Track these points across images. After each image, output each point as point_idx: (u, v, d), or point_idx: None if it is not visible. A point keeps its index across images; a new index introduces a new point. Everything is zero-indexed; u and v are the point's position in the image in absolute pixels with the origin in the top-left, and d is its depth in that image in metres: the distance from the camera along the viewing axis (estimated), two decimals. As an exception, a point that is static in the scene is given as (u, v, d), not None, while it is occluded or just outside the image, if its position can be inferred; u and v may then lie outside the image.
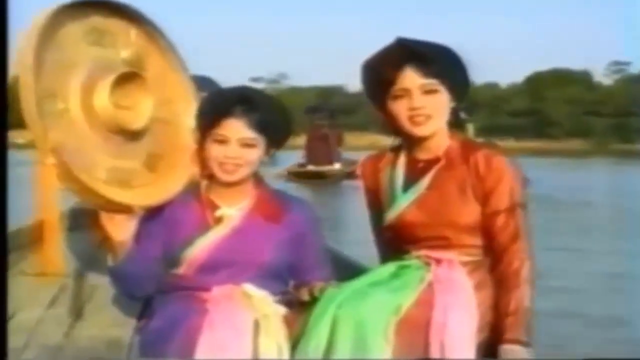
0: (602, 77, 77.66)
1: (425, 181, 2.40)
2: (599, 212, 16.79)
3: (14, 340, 2.18)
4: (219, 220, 2.39)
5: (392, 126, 2.45)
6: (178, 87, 2.67)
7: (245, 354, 2.13)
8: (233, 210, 2.40)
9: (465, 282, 2.29)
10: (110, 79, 2.41)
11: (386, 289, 2.27)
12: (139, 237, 2.38)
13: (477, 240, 2.35)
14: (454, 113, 2.43)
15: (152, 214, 2.43)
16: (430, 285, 2.28)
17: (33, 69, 2.23)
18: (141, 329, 2.37)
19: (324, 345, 2.15)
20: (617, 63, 78.64)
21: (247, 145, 2.34)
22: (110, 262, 2.39)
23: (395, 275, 2.34)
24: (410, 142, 2.46)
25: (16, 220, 2.90)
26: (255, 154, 2.37)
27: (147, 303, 2.45)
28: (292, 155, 23.00)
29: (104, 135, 2.44)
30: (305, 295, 2.33)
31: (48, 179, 2.66)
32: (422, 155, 2.44)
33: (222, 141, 2.33)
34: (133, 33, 2.59)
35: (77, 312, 2.59)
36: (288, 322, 2.26)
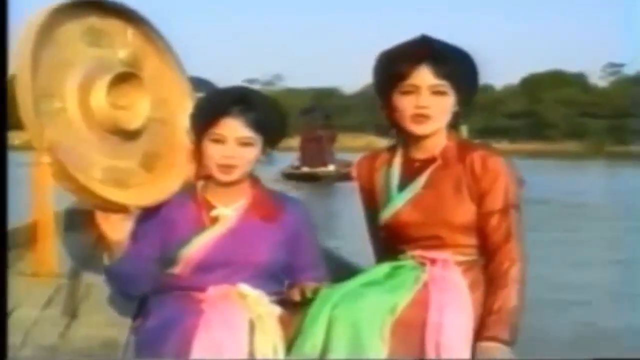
0: (598, 79, 77.93)
1: (421, 180, 2.40)
2: (594, 214, 16.82)
3: (10, 339, 2.18)
4: (214, 220, 2.39)
5: (391, 121, 2.45)
6: (175, 87, 2.67)
7: (241, 354, 2.14)
8: (229, 210, 2.41)
9: (460, 282, 2.29)
10: (107, 78, 2.41)
11: (381, 289, 2.27)
12: (134, 236, 2.38)
13: (472, 240, 2.36)
14: (455, 117, 2.43)
15: (148, 214, 2.43)
16: (425, 285, 2.28)
17: (30, 68, 2.23)
18: (137, 329, 2.37)
19: (319, 345, 2.15)
20: (612, 65, 78.88)
21: (245, 144, 2.35)
22: (106, 261, 2.39)
23: (390, 276, 2.34)
24: (407, 141, 2.46)
25: (11, 221, 2.90)
26: (252, 153, 2.37)
27: (142, 303, 2.45)
28: (287, 157, 23.03)
29: (101, 135, 2.44)
30: (296, 296, 2.33)
31: (43, 180, 2.67)
32: (419, 154, 2.44)
33: (220, 140, 2.34)
34: (130, 33, 2.59)
35: (72, 312, 2.59)
36: (283, 322, 2.26)
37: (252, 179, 2.46)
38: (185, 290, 2.34)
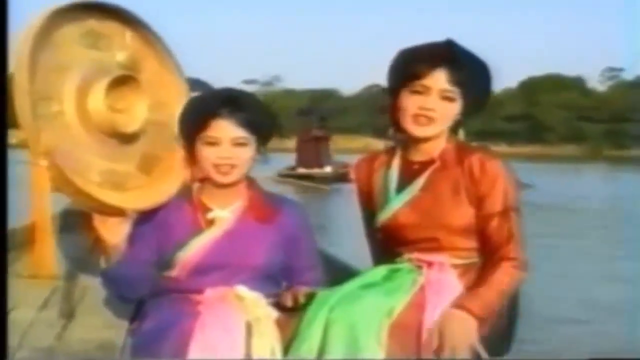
0: (597, 83, 77.94)
1: (419, 183, 2.40)
2: (592, 217, 16.81)
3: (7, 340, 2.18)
4: (211, 222, 2.39)
5: (392, 120, 2.45)
6: (173, 90, 2.67)
7: (237, 356, 2.13)
8: (225, 212, 2.40)
9: (456, 285, 2.29)
10: (105, 81, 2.41)
11: (378, 292, 2.27)
12: (131, 240, 2.37)
13: (469, 243, 2.36)
14: (456, 123, 2.44)
15: (145, 217, 2.43)
16: (422, 288, 2.28)
17: (28, 70, 2.23)
18: (133, 331, 2.37)
19: (316, 347, 2.15)
20: (611, 69, 78.93)
21: (239, 144, 2.35)
22: (103, 265, 2.38)
23: (387, 278, 2.34)
24: (405, 143, 2.46)
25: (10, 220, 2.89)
26: (247, 153, 2.37)
27: (139, 305, 2.45)
28: (287, 159, 23.01)
29: (99, 138, 2.44)
30: (289, 301, 2.33)
31: (40, 181, 2.66)
32: (417, 157, 2.44)
33: (214, 143, 2.34)
34: (128, 36, 2.59)
35: (68, 314, 2.59)
36: (280, 324, 2.25)
37: (248, 180, 2.46)
38: (182, 292, 2.34)
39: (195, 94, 2.76)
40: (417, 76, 2.35)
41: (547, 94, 68.79)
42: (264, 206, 2.44)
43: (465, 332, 2.20)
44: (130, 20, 2.57)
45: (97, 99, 2.39)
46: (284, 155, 25.01)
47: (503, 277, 2.29)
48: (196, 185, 2.45)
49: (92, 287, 2.72)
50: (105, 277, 2.40)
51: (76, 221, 3.15)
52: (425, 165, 2.42)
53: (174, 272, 2.37)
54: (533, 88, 71.20)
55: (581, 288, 8.57)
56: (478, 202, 2.35)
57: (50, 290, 2.85)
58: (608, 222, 16.09)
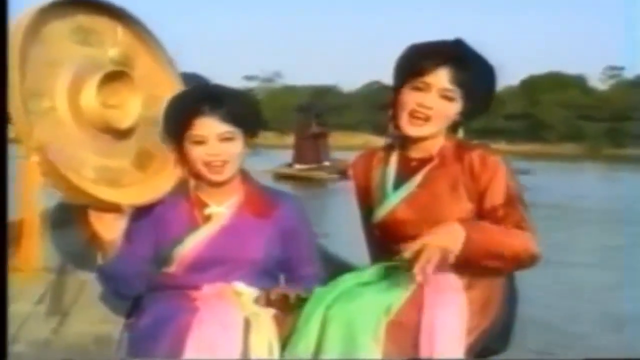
0: (597, 81, 77.77)
1: (417, 179, 2.40)
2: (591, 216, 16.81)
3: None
4: (208, 218, 2.39)
5: (393, 117, 2.44)
6: (166, 85, 2.65)
7: (234, 352, 2.13)
8: (222, 207, 2.40)
9: (455, 282, 2.28)
10: (97, 77, 2.39)
11: (376, 289, 2.27)
12: (128, 236, 2.37)
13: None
14: (454, 125, 2.43)
15: (142, 213, 2.41)
16: (420, 285, 2.28)
17: (18, 67, 2.21)
18: (130, 325, 2.36)
19: (313, 344, 2.15)
20: (612, 68, 78.73)
21: (226, 139, 2.34)
22: (99, 261, 2.38)
23: (385, 276, 2.34)
24: (404, 140, 2.45)
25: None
26: (236, 148, 2.36)
27: (136, 300, 2.44)
28: (285, 155, 22.98)
29: (92, 134, 2.42)
30: (279, 305, 2.29)
31: (28, 176, 2.64)
32: (416, 154, 2.44)
33: (200, 142, 2.33)
34: (120, 31, 2.57)
35: (58, 310, 2.58)
36: (278, 320, 2.25)
37: (243, 174, 2.45)
38: (179, 288, 2.33)
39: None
40: (420, 73, 2.35)
41: (548, 92, 68.69)
42: (260, 200, 2.44)
43: (446, 235, 2.19)
44: (121, 16, 2.55)
45: (90, 95, 2.38)
46: (284, 153, 25.02)
47: (515, 238, 2.26)
48: (192, 182, 2.44)
49: (89, 281, 2.71)
50: (101, 274, 2.40)
51: (70, 215, 3.14)
52: (423, 162, 2.42)
53: (171, 269, 2.37)
54: (534, 86, 71.10)
55: (581, 288, 8.58)
56: (479, 196, 2.34)
57: (47, 284, 2.84)
58: (607, 221, 16.10)
